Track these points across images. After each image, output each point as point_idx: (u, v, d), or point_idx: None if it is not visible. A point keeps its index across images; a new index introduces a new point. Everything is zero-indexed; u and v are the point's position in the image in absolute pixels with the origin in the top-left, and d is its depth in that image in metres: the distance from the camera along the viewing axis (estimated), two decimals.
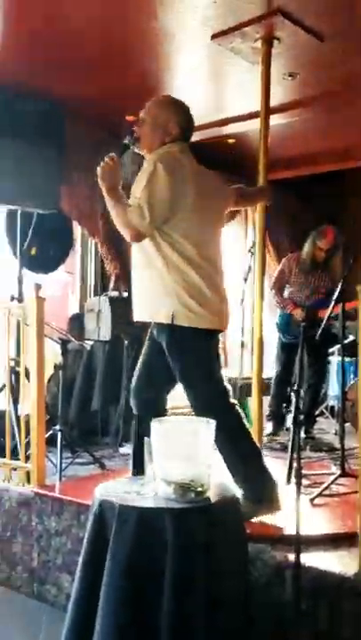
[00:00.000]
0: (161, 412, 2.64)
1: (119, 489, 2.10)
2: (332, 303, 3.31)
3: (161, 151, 2.52)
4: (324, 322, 3.50)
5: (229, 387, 2.59)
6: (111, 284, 5.33)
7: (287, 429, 4.53)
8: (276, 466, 3.29)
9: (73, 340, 4.53)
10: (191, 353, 2.50)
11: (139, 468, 2.56)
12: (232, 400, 2.59)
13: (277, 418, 4.69)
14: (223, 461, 2.55)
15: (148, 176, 2.41)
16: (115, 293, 4.94)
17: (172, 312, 2.44)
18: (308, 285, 4.50)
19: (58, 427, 3.45)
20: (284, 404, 4.73)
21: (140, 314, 2.60)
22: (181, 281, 2.44)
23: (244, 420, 2.59)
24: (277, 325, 4.62)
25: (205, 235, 2.52)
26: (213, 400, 2.53)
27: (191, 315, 2.44)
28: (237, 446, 2.54)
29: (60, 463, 3.29)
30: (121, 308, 4.30)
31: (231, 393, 2.59)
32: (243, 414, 2.60)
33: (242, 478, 2.52)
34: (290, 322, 4.49)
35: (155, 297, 2.50)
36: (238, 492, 2.39)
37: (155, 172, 2.40)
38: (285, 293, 4.59)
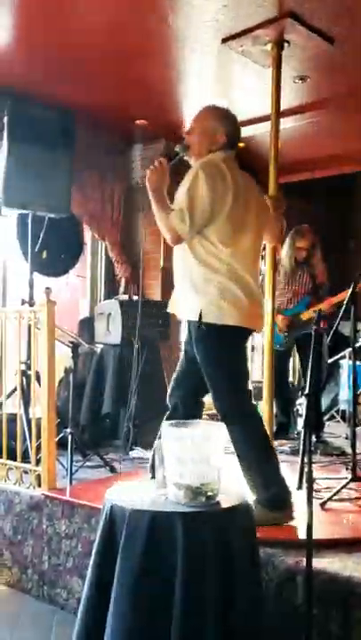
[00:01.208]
0: (192, 414, 2.63)
1: (130, 492, 2.10)
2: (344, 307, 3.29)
3: (205, 159, 2.57)
4: (336, 324, 3.47)
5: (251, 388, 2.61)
6: (121, 288, 5.35)
7: (298, 434, 4.50)
8: (286, 470, 3.28)
9: (83, 343, 4.54)
10: (216, 350, 2.53)
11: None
12: (253, 402, 2.60)
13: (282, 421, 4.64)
14: (239, 464, 2.53)
15: (191, 183, 2.49)
16: (125, 297, 4.95)
17: (200, 309, 2.48)
18: (289, 289, 4.45)
19: (68, 430, 3.45)
20: (296, 409, 4.70)
21: (176, 310, 2.67)
22: (213, 281, 2.49)
23: (264, 424, 2.58)
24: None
25: (240, 242, 2.54)
26: (234, 400, 2.54)
27: (218, 312, 2.47)
28: (255, 450, 2.53)
29: (71, 466, 3.29)
30: (131, 311, 4.29)
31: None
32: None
33: (257, 483, 2.50)
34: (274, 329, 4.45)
35: (187, 295, 2.56)
36: (251, 497, 2.38)
37: (196, 180, 2.47)
38: None
